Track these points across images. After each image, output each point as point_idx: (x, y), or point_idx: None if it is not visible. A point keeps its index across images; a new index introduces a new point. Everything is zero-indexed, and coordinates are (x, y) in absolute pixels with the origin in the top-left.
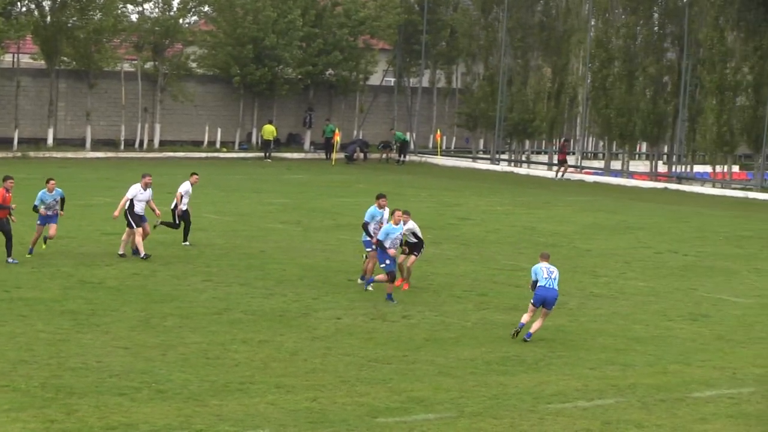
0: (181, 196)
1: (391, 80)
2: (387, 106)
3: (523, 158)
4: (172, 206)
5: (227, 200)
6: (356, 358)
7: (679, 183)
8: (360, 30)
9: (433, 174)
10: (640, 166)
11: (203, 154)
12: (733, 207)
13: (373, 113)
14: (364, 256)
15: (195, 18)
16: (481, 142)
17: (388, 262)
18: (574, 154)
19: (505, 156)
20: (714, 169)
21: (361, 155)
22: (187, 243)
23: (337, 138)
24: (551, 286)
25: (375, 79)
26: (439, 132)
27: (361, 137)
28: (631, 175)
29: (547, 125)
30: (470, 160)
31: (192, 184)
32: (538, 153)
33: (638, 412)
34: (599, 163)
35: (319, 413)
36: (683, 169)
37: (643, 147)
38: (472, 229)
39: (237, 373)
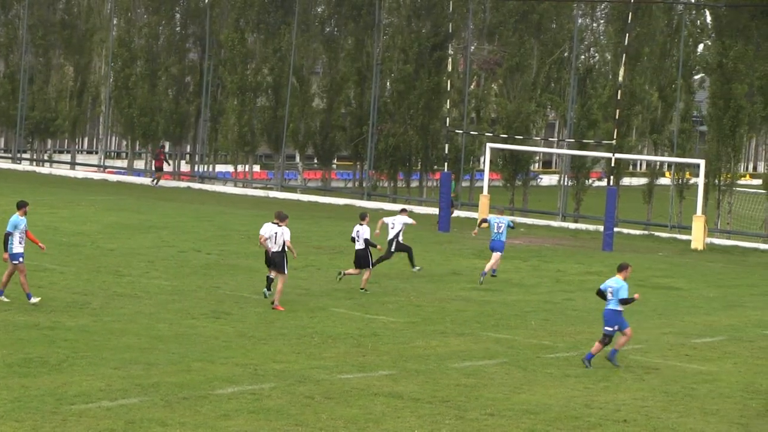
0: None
1: None
2: None
3: (46, 157)
4: (390, 237)
5: None
6: None
7: (202, 182)
8: None
9: None
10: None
11: None
12: (254, 206)
13: None
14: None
15: None
16: (2, 141)
17: (616, 327)
18: (169, 162)
19: (26, 155)
20: (236, 168)
21: None
22: (418, 268)
23: None
24: (497, 239)
25: None
26: None
27: None
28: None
29: (69, 124)
30: None
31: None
32: (61, 152)
33: (162, 411)
34: (123, 163)
35: None
36: (206, 169)
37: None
38: None
39: None
